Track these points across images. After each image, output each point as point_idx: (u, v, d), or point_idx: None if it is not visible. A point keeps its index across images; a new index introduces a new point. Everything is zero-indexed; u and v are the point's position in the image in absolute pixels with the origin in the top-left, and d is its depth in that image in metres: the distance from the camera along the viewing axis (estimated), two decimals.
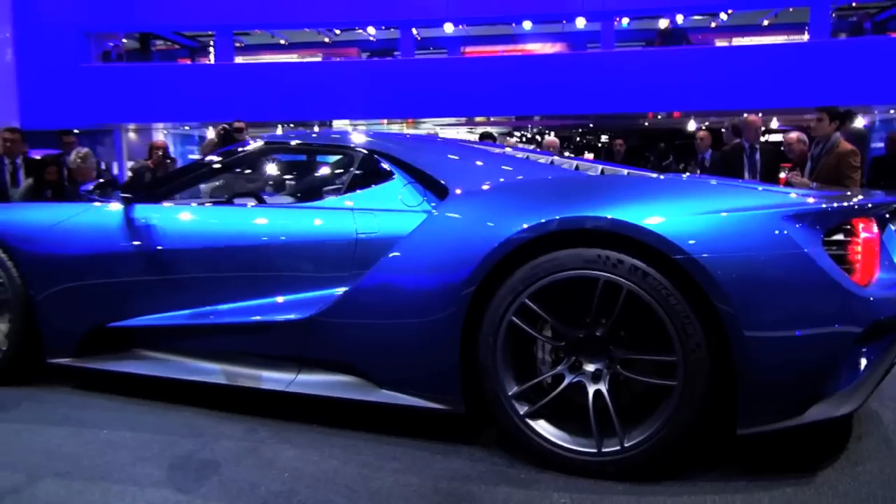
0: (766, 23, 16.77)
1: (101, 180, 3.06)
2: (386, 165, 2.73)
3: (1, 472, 2.28)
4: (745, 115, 6.85)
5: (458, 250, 2.24)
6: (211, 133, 16.33)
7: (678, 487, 2.07)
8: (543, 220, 2.09)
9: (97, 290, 3.00)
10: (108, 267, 2.97)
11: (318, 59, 18.24)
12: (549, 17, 17.90)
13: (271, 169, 3.21)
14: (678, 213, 2.04)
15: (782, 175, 6.20)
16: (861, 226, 2.03)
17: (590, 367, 2.18)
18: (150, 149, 6.63)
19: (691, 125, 16.91)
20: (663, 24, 15.99)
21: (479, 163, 2.69)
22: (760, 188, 2.36)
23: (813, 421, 2.03)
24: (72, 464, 2.33)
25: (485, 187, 2.45)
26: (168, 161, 6.27)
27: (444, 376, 2.31)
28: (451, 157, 2.73)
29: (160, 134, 16.83)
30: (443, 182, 2.49)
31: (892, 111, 13.82)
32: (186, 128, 16.78)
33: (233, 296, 2.77)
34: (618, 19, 16.55)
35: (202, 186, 3.15)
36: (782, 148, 6.53)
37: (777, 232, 1.96)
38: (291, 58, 18.37)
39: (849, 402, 2.02)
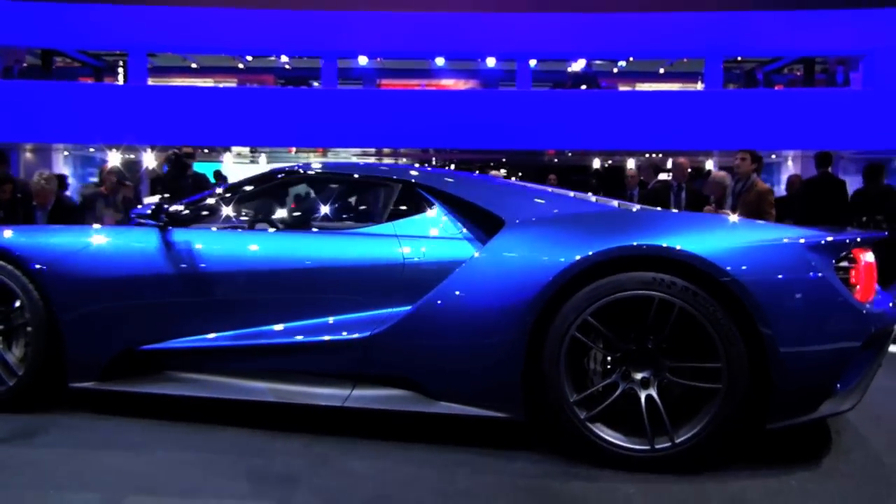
0: (662, 70, 18.28)
1: (151, 209, 3.08)
2: (427, 197, 2.98)
3: (79, 493, 2.29)
4: (677, 158, 7.54)
5: (527, 275, 2.52)
6: (113, 158, 15.70)
7: (720, 475, 2.41)
8: (613, 247, 2.41)
9: (133, 313, 3.02)
10: (145, 290, 3.01)
11: (233, 84, 18.00)
12: (463, 54, 18.70)
13: (311, 196, 3.36)
14: (722, 243, 2.43)
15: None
16: (861, 255, 2.49)
17: (638, 375, 2.50)
18: (102, 173, 6.44)
19: (596, 163, 18.06)
20: (575, 67, 17.08)
21: (525, 196, 2.99)
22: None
23: (824, 415, 2.45)
24: (149, 482, 2.38)
25: (542, 219, 2.74)
26: (124, 185, 6.13)
27: (507, 388, 2.56)
28: (500, 190, 3.00)
29: (61, 155, 16.01)
30: (497, 213, 2.76)
31: (773, 156, 15.41)
32: (91, 150, 16.03)
33: (282, 317, 2.88)
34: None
35: (238, 211, 3.24)
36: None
37: (802, 259, 2.38)
38: (206, 82, 18.03)
39: (850, 399, 2.46)
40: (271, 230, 3.17)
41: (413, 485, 2.36)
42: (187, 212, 3.15)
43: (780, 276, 2.36)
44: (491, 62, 18.81)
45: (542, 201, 2.95)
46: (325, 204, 3.18)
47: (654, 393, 2.46)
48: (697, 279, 2.39)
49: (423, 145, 18.13)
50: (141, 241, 3.07)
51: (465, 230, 2.84)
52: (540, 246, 2.59)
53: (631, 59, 16.84)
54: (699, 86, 16.44)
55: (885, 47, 13.42)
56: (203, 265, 2.97)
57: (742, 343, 2.36)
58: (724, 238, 2.47)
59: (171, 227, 3.08)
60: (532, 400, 2.57)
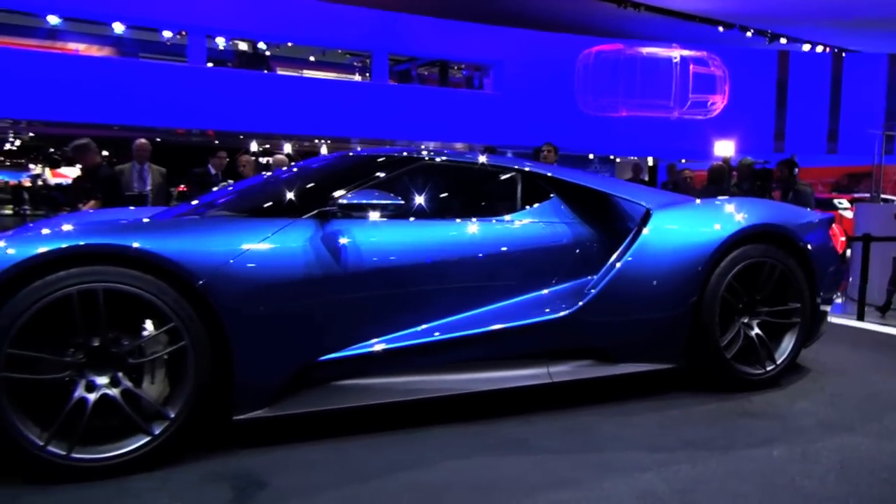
0: (312, 58, 18.93)
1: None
2: (547, 187, 3.39)
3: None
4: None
5: (693, 249, 3.20)
6: None
7: (793, 383, 3.52)
8: (754, 224, 3.30)
9: (319, 320, 2.69)
10: (329, 291, 2.71)
11: None
12: (85, 15, 16.51)
13: (446, 184, 3.26)
14: (796, 220, 3.51)
15: None
16: (836, 226, 3.84)
17: (745, 320, 3.42)
18: None
19: (253, 146, 17.89)
20: (244, 47, 16.55)
21: (643, 189, 3.62)
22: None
23: (820, 335, 3.75)
24: (552, 480, 2.37)
25: (671, 206, 3.41)
26: None
27: (676, 344, 3.22)
28: (627, 184, 3.57)
29: None
30: (641, 202, 3.36)
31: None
32: None
33: (470, 306, 2.97)
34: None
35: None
36: None
37: (826, 231, 3.64)
38: None
39: (825, 323, 3.81)
40: (437, 220, 3.11)
41: (668, 427, 2.87)
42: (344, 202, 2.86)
43: (821, 243, 3.57)
44: (119, 28, 17.04)
45: (651, 192, 3.64)
46: (459, 192, 3.32)
47: (759, 331, 3.43)
48: (786, 247, 3.43)
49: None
50: (313, 238, 2.73)
51: (614, 217, 3.36)
52: (692, 227, 3.29)
53: (290, 43, 17.09)
54: (356, 77, 17.65)
55: (511, 59, 16.59)
56: (383, 258, 2.82)
57: (808, 291, 3.49)
58: (794, 216, 3.56)
59: (332, 220, 2.82)
60: (689, 350, 3.28)
